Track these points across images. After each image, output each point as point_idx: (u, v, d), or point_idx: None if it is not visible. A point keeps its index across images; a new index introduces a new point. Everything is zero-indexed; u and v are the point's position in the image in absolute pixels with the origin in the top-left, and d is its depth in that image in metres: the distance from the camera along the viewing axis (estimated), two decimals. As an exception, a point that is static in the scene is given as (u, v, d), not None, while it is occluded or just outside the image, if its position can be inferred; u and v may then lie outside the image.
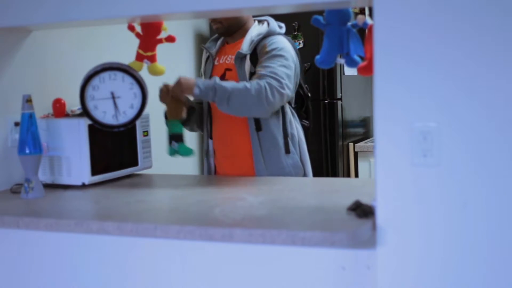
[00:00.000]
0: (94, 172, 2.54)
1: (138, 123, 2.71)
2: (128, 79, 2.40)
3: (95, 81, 2.38)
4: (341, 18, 2.10)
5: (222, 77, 2.76)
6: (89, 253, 2.08)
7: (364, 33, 2.07)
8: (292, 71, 2.67)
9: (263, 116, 2.65)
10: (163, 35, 2.53)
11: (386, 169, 1.79)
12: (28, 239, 2.14)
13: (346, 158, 4.20)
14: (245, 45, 2.73)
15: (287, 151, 2.75)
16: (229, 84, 2.57)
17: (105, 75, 2.39)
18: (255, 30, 2.77)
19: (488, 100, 1.69)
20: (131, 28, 2.50)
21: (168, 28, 2.54)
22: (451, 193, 1.74)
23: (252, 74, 2.68)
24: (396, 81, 1.76)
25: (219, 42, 2.90)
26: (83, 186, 2.53)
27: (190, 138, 4.16)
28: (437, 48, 1.72)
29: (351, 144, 4.21)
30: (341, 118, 4.15)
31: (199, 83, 2.56)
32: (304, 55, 3.32)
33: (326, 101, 4.10)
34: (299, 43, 4.02)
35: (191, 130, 2.95)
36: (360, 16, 2.10)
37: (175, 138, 2.62)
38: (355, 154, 4.21)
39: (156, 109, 2.74)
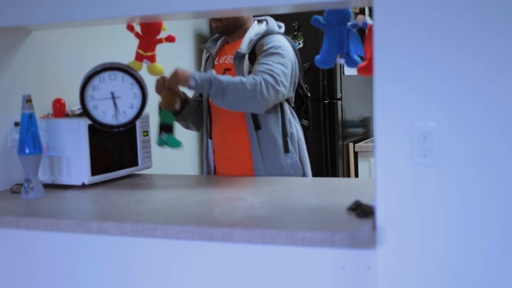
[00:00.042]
0: (94, 172, 2.54)
1: (138, 123, 2.71)
2: (128, 79, 2.40)
3: (95, 81, 2.38)
4: (341, 18, 2.10)
5: (222, 77, 2.76)
6: (89, 253, 2.08)
7: (364, 33, 2.07)
8: (289, 70, 2.67)
9: (257, 111, 2.65)
10: (163, 35, 2.53)
11: (386, 169, 1.79)
12: (28, 239, 2.14)
13: (346, 158, 4.20)
14: (244, 45, 2.74)
15: (286, 150, 2.75)
16: (225, 77, 2.57)
17: (105, 75, 2.39)
18: (254, 30, 2.77)
19: (488, 100, 1.69)
20: (130, 28, 2.50)
21: (168, 28, 2.54)
22: (451, 193, 1.74)
23: (250, 74, 2.68)
24: (396, 81, 1.76)
25: (219, 42, 2.91)
26: (83, 186, 2.53)
27: (190, 138, 4.17)
28: (437, 48, 1.72)
29: (351, 144, 4.21)
30: (341, 118, 4.15)
31: (195, 75, 2.56)
32: (304, 55, 3.32)
33: (326, 101, 4.10)
34: (299, 43, 4.02)
35: (186, 126, 2.94)
36: (360, 16, 2.10)
37: (165, 128, 2.61)
38: (355, 154, 4.21)
39: (156, 109, 2.74)
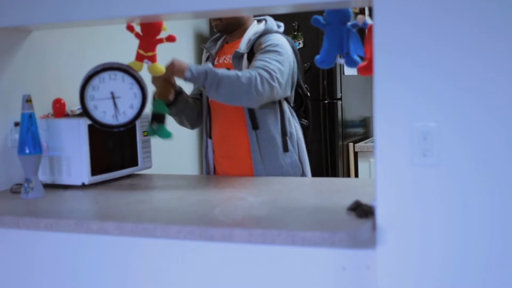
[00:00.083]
0: (94, 172, 2.54)
1: (138, 123, 2.71)
2: (128, 79, 2.40)
3: (95, 81, 2.38)
4: (341, 18, 2.10)
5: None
6: (89, 253, 2.08)
7: (364, 33, 2.07)
8: (286, 68, 2.67)
9: (251, 105, 2.65)
10: (163, 35, 2.53)
11: (386, 169, 1.79)
12: (28, 239, 2.14)
13: (346, 158, 4.20)
14: (243, 44, 2.74)
15: (286, 149, 2.75)
16: (220, 70, 2.57)
17: (105, 75, 2.39)
18: (253, 29, 2.78)
19: (488, 100, 1.69)
20: (130, 28, 2.50)
21: (168, 28, 2.54)
22: (451, 193, 1.74)
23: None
24: (396, 81, 1.76)
25: (219, 42, 2.91)
26: (83, 186, 2.53)
27: (190, 138, 4.17)
28: (437, 48, 1.72)
29: (351, 144, 4.21)
30: (341, 118, 4.15)
31: (192, 67, 2.56)
32: (304, 55, 3.32)
33: (326, 101, 4.10)
34: (299, 43, 4.02)
35: (180, 122, 2.92)
36: (360, 16, 2.10)
37: (157, 118, 2.61)
38: (355, 154, 4.21)
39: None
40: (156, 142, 2.91)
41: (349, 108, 4.26)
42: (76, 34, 2.87)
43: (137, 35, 2.51)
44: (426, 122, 1.74)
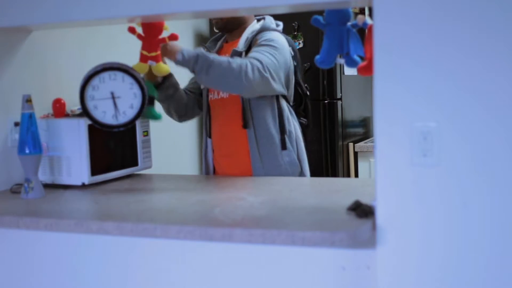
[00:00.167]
0: (94, 172, 2.54)
1: (138, 123, 2.71)
2: (128, 79, 2.40)
3: (95, 81, 2.38)
4: (341, 18, 2.10)
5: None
6: (89, 253, 2.08)
7: (364, 33, 2.07)
8: (280, 62, 2.66)
9: (241, 94, 2.64)
10: (165, 34, 2.53)
11: (386, 169, 1.79)
12: (28, 239, 2.14)
13: (346, 158, 4.21)
14: (241, 43, 2.75)
15: (284, 147, 2.75)
16: (212, 55, 2.57)
17: (105, 75, 2.39)
18: (251, 28, 2.78)
19: (488, 100, 1.70)
20: (132, 30, 2.49)
21: (169, 28, 2.54)
22: (451, 193, 1.74)
23: None
24: (396, 81, 1.76)
25: (219, 42, 2.91)
26: (83, 186, 2.53)
27: (190, 138, 4.17)
28: (437, 48, 1.72)
29: (351, 144, 4.21)
30: (341, 118, 4.15)
31: (184, 50, 2.55)
32: (304, 55, 3.32)
33: (326, 101, 4.10)
34: (299, 43, 4.02)
35: (167, 111, 2.89)
36: (360, 16, 2.10)
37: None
38: (355, 154, 4.21)
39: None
40: (156, 142, 2.92)
41: (349, 108, 4.26)
42: (76, 34, 2.87)
43: (139, 36, 2.51)
44: (426, 122, 1.74)
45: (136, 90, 2.40)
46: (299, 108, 2.90)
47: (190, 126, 4.14)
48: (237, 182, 2.62)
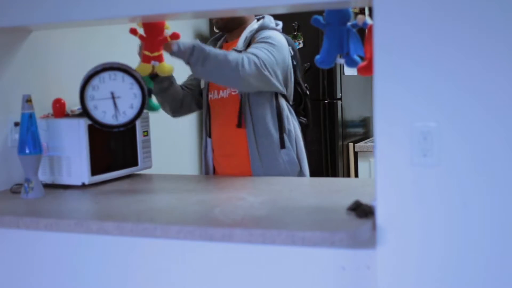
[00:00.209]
0: (94, 172, 2.54)
1: (138, 123, 2.71)
2: (128, 79, 2.40)
3: (95, 81, 2.38)
4: (341, 18, 2.10)
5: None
6: (89, 253, 2.08)
7: (364, 33, 2.07)
8: (277, 59, 2.65)
9: (237, 87, 2.64)
10: (166, 33, 2.53)
11: (386, 169, 1.79)
12: (28, 239, 2.14)
13: (346, 158, 4.21)
14: (240, 42, 2.75)
15: (283, 146, 2.74)
16: (208, 47, 2.56)
17: (105, 75, 2.39)
18: (250, 28, 2.78)
19: (488, 100, 1.69)
20: (133, 31, 2.49)
21: (170, 27, 2.54)
22: (451, 193, 1.74)
23: None
24: (396, 81, 1.76)
25: (219, 42, 2.91)
26: (83, 186, 2.53)
27: (190, 138, 4.17)
28: (437, 48, 1.72)
29: (351, 144, 4.21)
30: (341, 118, 4.15)
31: (180, 42, 2.54)
32: (304, 55, 3.32)
33: (326, 101, 4.10)
34: (299, 43, 4.02)
35: (162, 105, 2.86)
36: (360, 16, 2.10)
37: None
38: (355, 154, 4.21)
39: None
40: (156, 142, 2.91)
41: (349, 108, 4.26)
42: (76, 34, 2.87)
43: (141, 37, 2.51)
44: (426, 122, 1.74)
45: (136, 90, 2.40)
46: (298, 107, 2.90)
47: (190, 126, 4.14)
48: (237, 182, 2.62)
